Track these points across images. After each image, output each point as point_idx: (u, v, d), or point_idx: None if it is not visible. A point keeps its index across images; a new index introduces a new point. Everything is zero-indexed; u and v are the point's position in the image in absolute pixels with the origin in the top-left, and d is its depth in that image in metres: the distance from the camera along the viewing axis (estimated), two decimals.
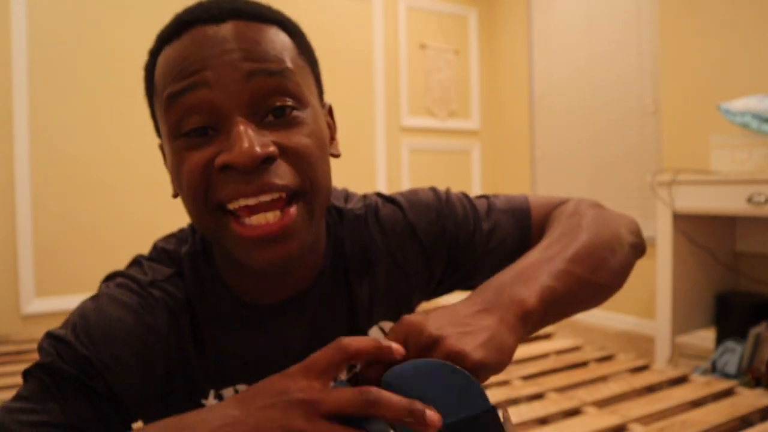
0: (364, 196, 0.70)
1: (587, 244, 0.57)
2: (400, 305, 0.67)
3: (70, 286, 2.68)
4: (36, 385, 0.49)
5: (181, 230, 0.63)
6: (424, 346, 0.43)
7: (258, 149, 0.46)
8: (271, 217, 0.48)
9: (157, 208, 2.75)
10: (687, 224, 2.30)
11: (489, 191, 3.95)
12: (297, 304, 0.60)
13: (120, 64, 2.70)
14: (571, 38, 3.37)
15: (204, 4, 0.51)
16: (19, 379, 1.99)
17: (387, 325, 0.66)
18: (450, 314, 0.46)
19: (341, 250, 0.64)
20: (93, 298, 0.54)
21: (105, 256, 2.73)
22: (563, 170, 3.47)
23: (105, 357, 0.50)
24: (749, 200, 1.99)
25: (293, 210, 0.49)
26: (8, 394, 1.84)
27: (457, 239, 0.67)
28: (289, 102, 0.50)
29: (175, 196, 0.57)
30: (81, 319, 0.52)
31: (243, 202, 0.48)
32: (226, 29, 0.49)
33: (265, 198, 0.48)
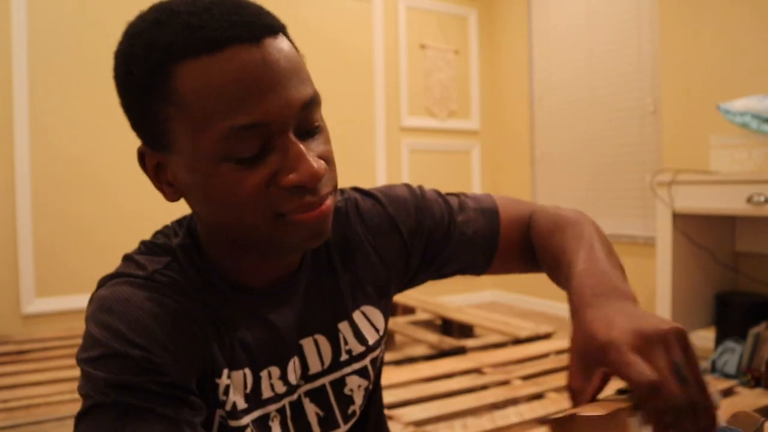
0: (341, 191, 0.73)
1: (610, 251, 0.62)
2: (380, 292, 0.71)
3: (70, 286, 2.68)
4: (111, 416, 0.47)
5: (165, 227, 0.64)
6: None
7: (317, 168, 0.51)
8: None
9: (157, 208, 2.75)
10: (687, 224, 2.30)
11: (489, 191, 3.95)
12: (287, 290, 0.63)
13: None
14: (571, 38, 3.37)
15: (232, 20, 0.50)
16: (19, 379, 1.99)
17: (368, 309, 0.69)
18: (628, 315, 0.48)
19: None
20: (104, 309, 0.52)
21: (105, 256, 2.73)
22: (563, 170, 3.47)
23: (158, 350, 0.50)
24: (749, 200, 1.99)
25: (329, 200, 0.55)
26: (8, 394, 1.85)
27: (434, 231, 0.72)
28: (318, 120, 0.55)
29: (174, 200, 0.58)
30: (109, 331, 0.50)
31: (305, 211, 0.53)
32: (267, 53, 0.50)
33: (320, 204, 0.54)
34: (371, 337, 0.69)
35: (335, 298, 0.67)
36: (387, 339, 0.74)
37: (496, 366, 2.07)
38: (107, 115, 2.70)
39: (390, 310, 0.74)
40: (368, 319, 0.69)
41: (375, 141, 3.55)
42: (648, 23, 2.92)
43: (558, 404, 1.69)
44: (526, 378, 1.96)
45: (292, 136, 0.51)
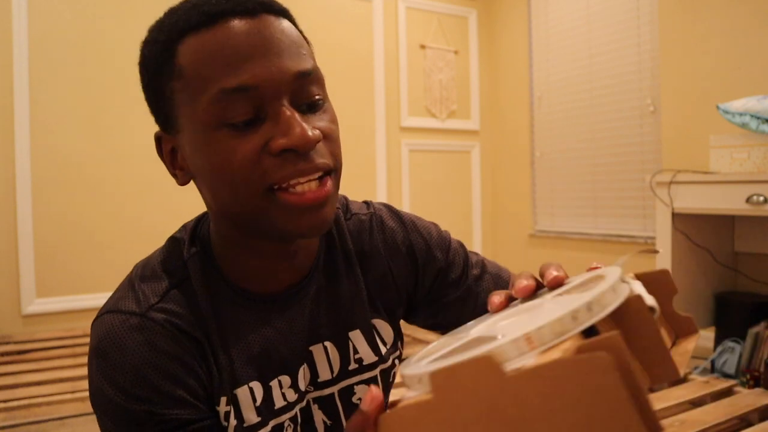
0: (368, 204, 0.74)
1: None
2: (390, 311, 0.70)
3: (71, 286, 2.68)
4: None
5: (173, 239, 0.63)
6: None
7: (310, 133, 0.50)
8: (313, 185, 0.53)
9: (157, 209, 2.75)
10: (686, 224, 2.30)
11: (489, 191, 3.97)
12: (297, 294, 0.62)
13: (120, 65, 2.70)
14: (571, 38, 3.37)
15: None
16: (19, 379, 2.00)
17: (379, 322, 0.69)
18: None
19: (335, 245, 0.68)
20: (101, 354, 0.53)
21: (105, 256, 2.73)
22: (563, 170, 3.47)
23: (159, 398, 0.52)
24: (748, 200, 1.99)
25: (329, 182, 0.54)
26: (9, 394, 1.85)
27: (447, 273, 0.72)
28: (319, 95, 0.55)
29: (183, 183, 0.58)
30: (110, 383, 0.52)
31: (298, 179, 0.52)
32: (263, 25, 0.51)
33: (314, 176, 0.53)
34: (383, 348, 0.68)
35: (350, 305, 0.66)
36: None
37: None
38: (108, 116, 2.70)
39: (400, 330, 0.73)
40: (379, 332, 0.69)
41: (375, 141, 3.55)
42: (648, 23, 2.92)
43: None
44: None
45: (285, 103, 0.51)
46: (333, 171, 0.55)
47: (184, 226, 0.64)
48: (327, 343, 0.64)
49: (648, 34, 2.92)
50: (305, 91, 0.53)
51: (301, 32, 0.57)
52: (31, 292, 2.61)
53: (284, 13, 0.55)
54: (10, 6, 2.55)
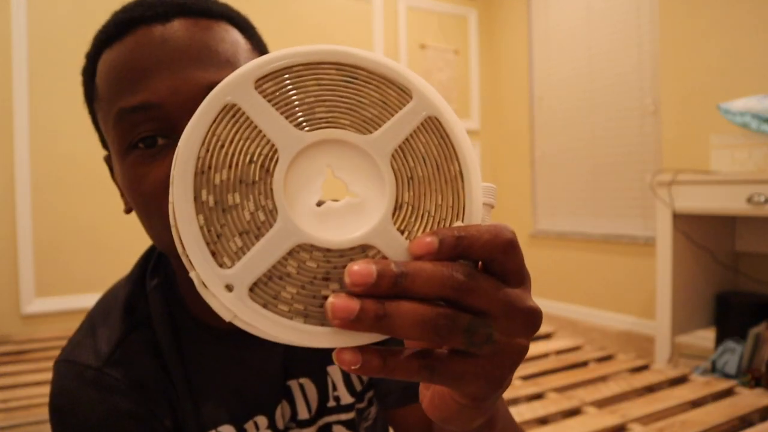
0: None
1: None
2: None
3: (70, 286, 2.68)
4: None
5: (137, 266, 0.59)
6: None
7: None
8: None
9: None
10: (687, 224, 2.30)
11: None
12: None
13: None
14: (571, 38, 3.37)
15: (146, 1, 0.48)
16: (19, 379, 1.99)
17: None
18: None
19: None
20: (56, 409, 0.51)
21: (105, 256, 2.73)
22: (563, 170, 3.47)
23: None
24: (749, 200, 1.99)
25: None
26: (8, 394, 1.84)
27: None
28: None
29: (128, 211, 0.54)
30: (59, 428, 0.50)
31: None
32: (174, 29, 0.45)
33: None
34: (358, 386, 0.63)
35: None
36: None
37: None
38: None
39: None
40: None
41: None
42: (648, 23, 2.92)
43: (558, 404, 1.69)
44: (526, 378, 1.96)
45: None
46: None
47: (151, 249, 0.59)
48: (303, 380, 0.60)
49: (648, 34, 2.92)
50: None
51: (246, 35, 0.50)
52: (30, 291, 2.61)
53: (209, 13, 0.48)
54: (9, 6, 2.55)
